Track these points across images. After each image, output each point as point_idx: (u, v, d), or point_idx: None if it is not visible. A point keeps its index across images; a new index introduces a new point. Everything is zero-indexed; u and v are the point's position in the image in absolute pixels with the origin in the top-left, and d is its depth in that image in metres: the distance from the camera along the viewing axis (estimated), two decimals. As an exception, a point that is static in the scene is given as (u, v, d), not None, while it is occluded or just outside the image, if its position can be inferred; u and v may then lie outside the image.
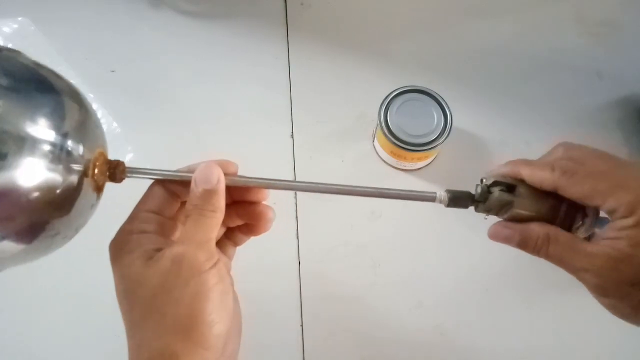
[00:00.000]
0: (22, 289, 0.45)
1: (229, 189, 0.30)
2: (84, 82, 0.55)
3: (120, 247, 0.28)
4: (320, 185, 0.31)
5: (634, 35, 0.58)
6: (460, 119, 0.48)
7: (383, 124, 0.47)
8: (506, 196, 0.30)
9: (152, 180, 0.31)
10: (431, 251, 0.47)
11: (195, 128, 0.52)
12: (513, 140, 0.52)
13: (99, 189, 0.29)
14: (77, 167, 0.26)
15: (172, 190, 0.30)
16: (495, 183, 0.31)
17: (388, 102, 0.47)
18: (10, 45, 0.56)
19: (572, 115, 0.54)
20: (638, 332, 0.44)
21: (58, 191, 0.25)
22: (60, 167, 0.25)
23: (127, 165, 0.29)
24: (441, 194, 0.31)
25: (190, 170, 0.29)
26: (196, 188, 0.28)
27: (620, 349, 0.44)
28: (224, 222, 0.31)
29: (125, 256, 0.27)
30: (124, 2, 0.59)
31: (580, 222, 0.30)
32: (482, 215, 0.33)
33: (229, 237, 0.36)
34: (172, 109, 0.53)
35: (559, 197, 0.29)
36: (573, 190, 0.28)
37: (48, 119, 0.25)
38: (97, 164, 0.28)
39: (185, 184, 0.29)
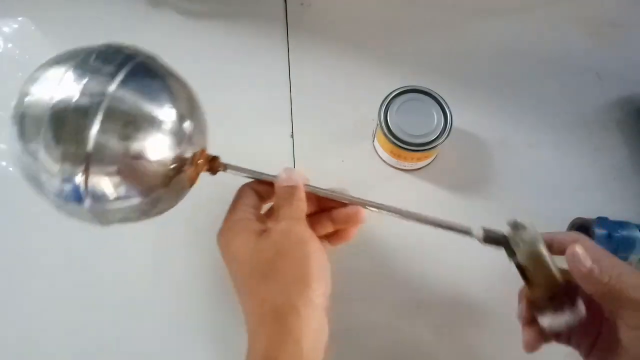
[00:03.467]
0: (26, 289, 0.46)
1: (318, 199, 0.37)
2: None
3: (230, 232, 0.34)
4: (370, 203, 0.36)
5: (634, 36, 0.58)
6: (460, 119, 0.48)
7: (383, 124, 0.47)
8: (538, 234, 0.33)
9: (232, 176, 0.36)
10: (431, 251, 0.47)
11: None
12: (513, 140, 0.52)
13: (194, 178, 0.35)
14: (187, 154, 0.33)
15: (259, 191, 0.36)
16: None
17: (388, 102, 0.47)
18: (10, 46, 0.57)
19: (572, 115, 0.54)
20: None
21: (171, 168, 0.32)
22: (177, 148, 0.32)
23: (222, 161, 0.36)
24: (478, 230, 0.35)
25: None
26: (281, 187, 0.35)
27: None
28: (314, 229, 0.36)
29: (236, 238, 0.33)
30: (124, 2, 0.59)
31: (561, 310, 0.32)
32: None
33: None
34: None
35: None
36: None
37: (168, 106, 0.31)
38: (202, 155, 0.34)
39: (268, 185, 0.36)
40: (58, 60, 0.31)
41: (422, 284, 0.46)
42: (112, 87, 0.29)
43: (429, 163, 0.51)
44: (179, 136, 0.32)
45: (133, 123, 0.29)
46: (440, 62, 0.56)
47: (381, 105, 0.47)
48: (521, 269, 0.33)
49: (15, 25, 0.58)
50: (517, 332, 0.44)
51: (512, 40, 0.58)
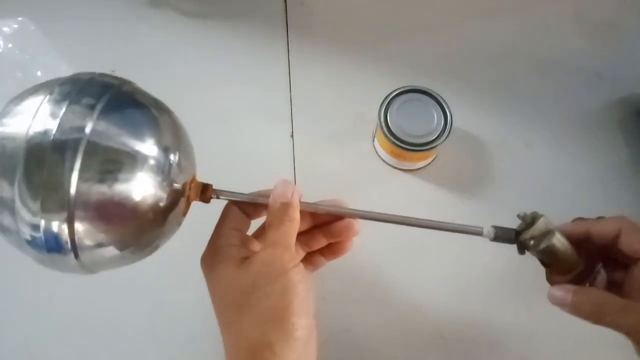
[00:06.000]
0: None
1: (313, 215, 0.35)
2: (84, 82, 0.55)
3: (212, 259, 0.32)
4: (372, 214, 0.34)
5: (633, 36, 0.58)
6: (460, 119, 0.48)
7: (383, 124, 0.47)
8: (550, 225, 0.32)
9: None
10: (432, 253, 0.47)
11: (195, 128, 0.52)
12: (513, 140, 0.52)
13: (187, 208, 0.32)
14: (177, 186, 0.30)
15: (245, 210, 0.34)
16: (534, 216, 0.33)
17: (388, 102, 0.47)
18: (10, 46, 0.57)
19: (572, 115, 0.54)
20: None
21: (161, 205, 0.29)
22: (165, 184, 0.29)
23: (214, 187, 0.33)
24: (488, 229, 0.33)
25: (262, 194, 0.33)
26: (275, 203, 0.32)
27: (620, 351, 0.44)
28: (308, 245, 0.36)
29: (218, 265, 0.31)
30: (124, 2, 0.59)
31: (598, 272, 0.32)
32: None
33: (309, 261, 0.38)
34: (172, 109, 0.53)
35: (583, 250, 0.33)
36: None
37: (153, 138, 0.28)
38: (192, 185, 0.32)
39: (257, 205, 0.34)
40: (30, 92, 0.28)
41: (421, 286, 0.46)
42: (91, 121, 0.26)
43: (429, 163, 0.51)
44: (167, 170, 0.29)
45: (117, 161, 0.26)
46: (440, 62, 0.56)
47: (381, 105, 0.47)
48: (539, 259, 0.33)
49: (15, 25, 0.58)
50: (517, 334, 0.44)
51: (512, 40, 0.58)
